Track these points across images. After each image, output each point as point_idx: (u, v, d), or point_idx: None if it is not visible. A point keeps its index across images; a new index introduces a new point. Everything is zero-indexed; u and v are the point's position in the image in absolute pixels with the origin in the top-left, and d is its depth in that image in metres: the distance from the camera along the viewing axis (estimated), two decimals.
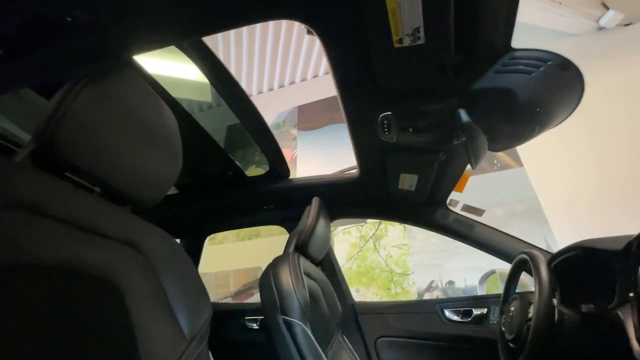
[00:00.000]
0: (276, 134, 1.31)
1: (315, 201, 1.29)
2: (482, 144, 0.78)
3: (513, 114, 0.76)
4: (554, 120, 0.81)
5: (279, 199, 1.53)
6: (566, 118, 0.82)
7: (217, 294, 2.89)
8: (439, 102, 0.80)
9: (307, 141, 3.54)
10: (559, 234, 1.95)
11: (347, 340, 1.25)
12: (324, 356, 0.85)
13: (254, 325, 1.56)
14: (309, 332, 0.87)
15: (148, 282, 0.47)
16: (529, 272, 1.19)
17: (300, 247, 1.19)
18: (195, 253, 1.86)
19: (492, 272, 1.62)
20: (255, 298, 2.75)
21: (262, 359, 1.46)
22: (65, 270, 0.36)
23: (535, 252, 0.98)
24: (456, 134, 0.83)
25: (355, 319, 1.51)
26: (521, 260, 1.06)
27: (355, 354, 1.23)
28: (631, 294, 0.69)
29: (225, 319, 1.66)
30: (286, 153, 2.22)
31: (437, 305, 1.44)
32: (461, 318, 1.38)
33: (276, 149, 1.27)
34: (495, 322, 1.32)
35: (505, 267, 1.32)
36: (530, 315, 0.88)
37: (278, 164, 1.35)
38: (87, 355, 0.35)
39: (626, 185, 2.01)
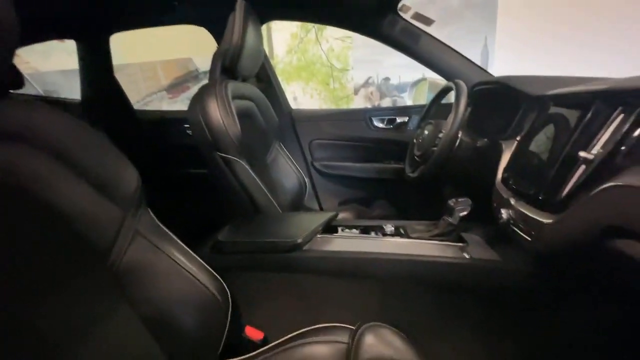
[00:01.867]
0: None
1: (240, 6, 1.02)
2: None
3: None
4: None
5: None
6: None
7: (148, 87, 2.69)
8: None
9: None
10: (500, 39, 1.94)
11: (283, 147, 1.39)
12: (263, 187, 0.97)
13: None
14: (247, 166, 0.94)
15: (60, 172, 0.43)
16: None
17: (228, 69, 1.05)
18: (100, 55, 1.56)
19: (423, 79, 1.69)
20: (190, 92, 2.65)
21: None
22: None
23: (462, 84, 1.01)
24: None
25: (292, 126, 1.62)
26: (448, 87, 1.10)
27: (292, 158, 1.41)
28: (518, 138, 0.81)
29: (170, 126, 1.68)
30: None
31: (366, 114, 1.57)
32: (385, 125, 1.56)
33: None
34: (412, 128, 1.53)
35: (437, 77, 1.38)
36: (437, 141, 1.03)
37: None
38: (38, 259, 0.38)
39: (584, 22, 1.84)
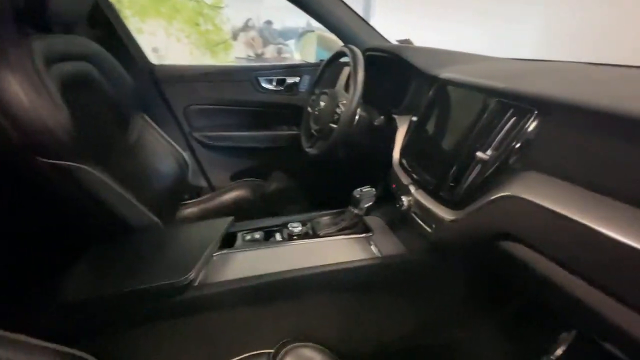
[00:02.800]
0: None
1: None
2: None
3: None
4: None
5: None
6: None
7: None
8: None
9: None
10: None
11: (148, 119, 1.08)
12: (125, 194, 0.70)
13: None
14: (94, 170, 0.66)
15: None
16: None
17: (28, 14, 0.67)
18: None
19: (311, 31, 1.52)
20: None
21: None
22: None
23: (358, 52, 0.92)
24: None
25: (157, 89, 1.26)
26: (341, 53, 1.00)
27: (163, 134, 1.12)
28: (415, 118, 0.80)
29: None
30: None
31: (252, 73, 1.34)
32: (275, 86, 1.38)
33: None
34: (304, 89, 1.40)
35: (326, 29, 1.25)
36: (336, 115, 0.95)
37: None
38: None
39: None
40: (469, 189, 0.57)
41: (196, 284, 0.61)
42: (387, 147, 0.87)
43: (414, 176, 0.73)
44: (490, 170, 0.53)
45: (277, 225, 0.82)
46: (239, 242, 0.76)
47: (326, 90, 1.04)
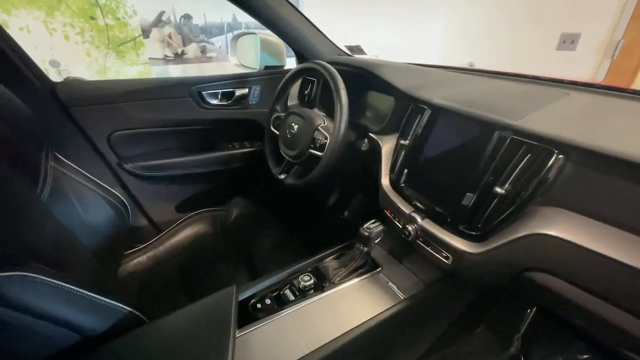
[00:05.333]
0: None
1: None
2: None
3: None
4: None
5: None
6: None
7: None
8: None
9: None
10: None
11: (61, 158, 0.81)
12: (72, 288, 0.50)
13: None
14: (34, 274, 0.44)
15: None
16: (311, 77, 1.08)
17: None
18: None
19: (251, 33, 1.35)
20: None
21: None
22: None
23: (333, 69, 0.84)
24: None
25: (65, 113, 0.95)
26: (310, 69, 0.90)
27: (84, 172, 0.85)
28: (406, 141, 0.77)
29: None
30: None
31: (193, 87, 1.13)
32: (220, 100, 1.20)
33: None
34: (254, 103, 1.25)
35: (267, 31, 1.12)
36: (318, 141, 0.86)
37: None
38: None
39: None
40: (488, 222, 0.57)
41: None
42: (369, 167, 0.83)
43: (417, 204, 0.71)
44: (510, 205, 0.54)
45: (284, 281, 0.72)
46: (251, 312, 0.64)
47: (297, 111, 0.94)
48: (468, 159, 0.61)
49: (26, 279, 0.43)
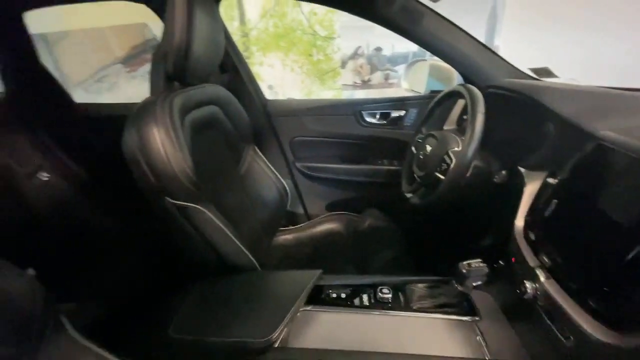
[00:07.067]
0: None
1: None
2: None
3: None
4: None
5: None
6: None
7: (100, 59, 2.29)
8: None
9: None
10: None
11: (258, 151, 1.17)
12: (229, 233, 0.77)
13: None
14: (207, 211, 0.73)
15: None
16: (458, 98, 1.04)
17: (175, 76, 0.79)
18: (16, 39, 1.23)
19: (422, 60, 1.42)
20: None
21: None
22: None
23: (477, 94, 0.79)
24: None
25: (269, 122, 1.37)
26: (457, 92, 0.88)
27: (269, 162, 1.20)
28: (555, 180, 0.63)
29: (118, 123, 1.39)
30: None
31: (356, 107, 1.33)
32: (378, 120, 1.34)
33: None
34: (409, 124, 1.32)
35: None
36: (444, 164, 0.83)
37: None
38: None
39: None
40: None
41: (277, 345, 0.60)
42: (507, 209, 0.72)
43: (545, 259, 0.57)
44: None
45: (366, 286, 0.76)
46: (324, 297, 0.73)
47: (434, 133, 0.94)
48: (631, 214, 0.45)
49: (201, 212, 0.71)
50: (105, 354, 0.44)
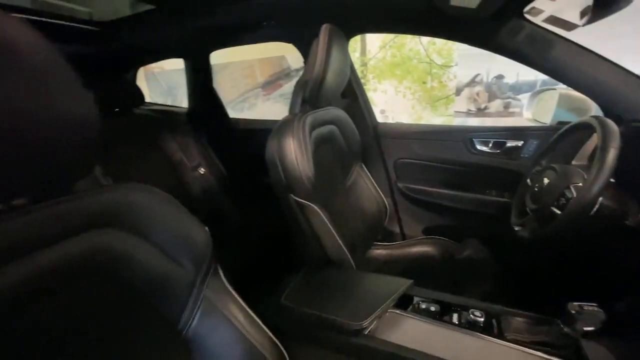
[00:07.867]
0: None
1: (324, 31, 0.93)
2: None
3: None
4: None
5: (280, 14, 1.13)
6: None
7: (246, 84, 2.87)
8: None
9: None
10: None
11: (364, 168, 1.29)
12: (336, 235, 0.90)
13: None
14: (320, 211, 0.89)
15: (142, 248, 0.47)
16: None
17: (309, 100, 0.99)
18: (202, 71, 1.71)
19: (551, 89, 1.31)
20: (283, 90, 2.73)
21: None
22: None
23: (611, 125, 0.73)
24: None
25: (377, 142, 1.49)
26: (587, 124, 0.81)
27: (373, 179, 1.30)
28: None
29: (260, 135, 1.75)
30: None
31: (467, 134, 1.32)
32: (490, 148, 1.30)
33: None
34: (527, 155, 1.23)
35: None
36: (563, 199, 0.78)
37: None
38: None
39: None
40: None
41: (367, 332, 0.68)
42: (638, 255, 0.63)
43: None
44: None
45: (457, 305, 0.77)
46: (413, 307, 0.77)
47: (555, 166, 0.88)
48: None
49: (315, 210, 0.87)
50: (245, 305, 0.56)
